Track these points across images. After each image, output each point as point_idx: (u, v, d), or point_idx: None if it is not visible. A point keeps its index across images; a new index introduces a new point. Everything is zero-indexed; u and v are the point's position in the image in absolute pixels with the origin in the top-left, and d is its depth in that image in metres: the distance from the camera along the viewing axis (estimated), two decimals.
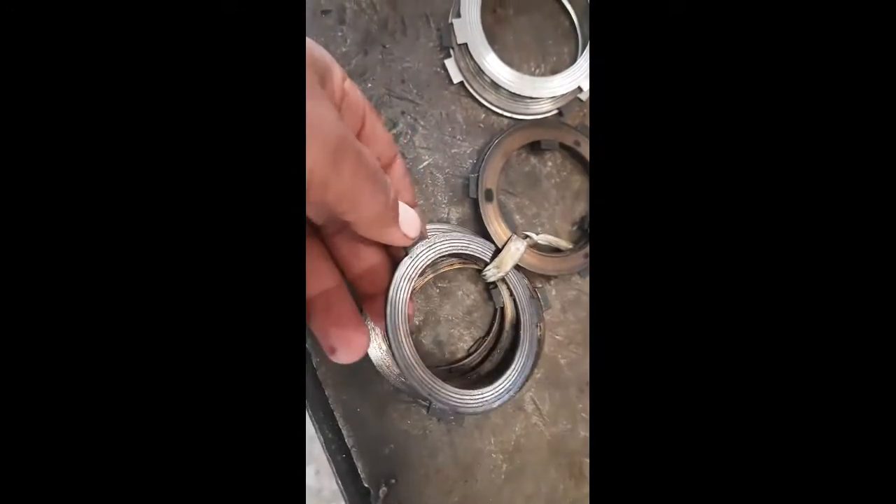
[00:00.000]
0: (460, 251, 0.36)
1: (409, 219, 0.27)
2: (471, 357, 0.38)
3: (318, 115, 0.20)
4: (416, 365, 0.31)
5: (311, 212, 0.28)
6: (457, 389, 0.32)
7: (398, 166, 0.30)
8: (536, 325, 0.37)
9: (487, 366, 0.38)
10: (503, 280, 0.38)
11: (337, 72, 0.25)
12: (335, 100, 0.25)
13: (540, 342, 0.37)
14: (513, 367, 0.35)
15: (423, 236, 0.31)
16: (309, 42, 0.23)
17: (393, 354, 0.30)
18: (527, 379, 0.35)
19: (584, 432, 0.41)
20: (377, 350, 0.36)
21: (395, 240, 0.27)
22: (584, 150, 0.41)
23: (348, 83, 0.26)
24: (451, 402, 0.32)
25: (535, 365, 0.36)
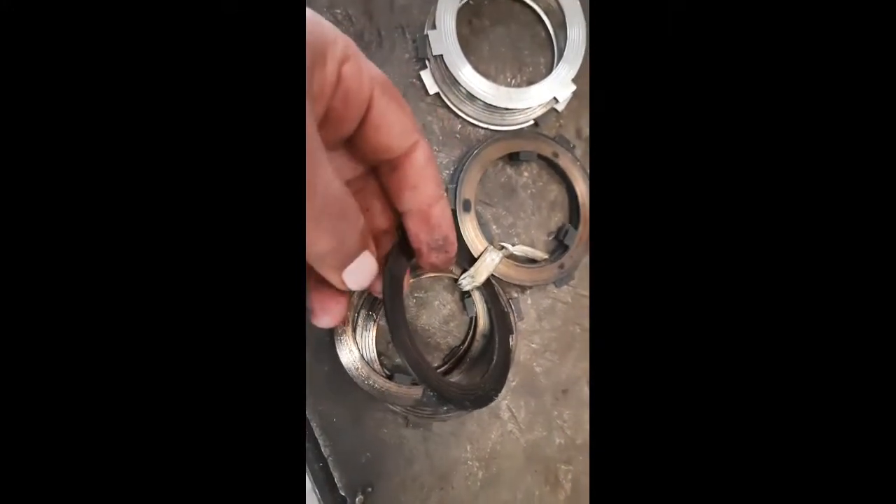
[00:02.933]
0: None
1: (360, 269, 0.25)
2: (445, 366, 0.39)
3: None
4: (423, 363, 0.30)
5: None
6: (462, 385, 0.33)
7: (418, 156, 0.26)
8: (508, 335, 0.37)
9: (456, 375, 0.38)
10: (477, 289, 0.38)
11: (335, 54, 0.22)
12: (324, 89, 0.22)
13: (510, 351, 0.38)
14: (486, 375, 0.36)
15: (369, 290, 0.28)
16: (309, 19, 0.20)
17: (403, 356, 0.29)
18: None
19: (559, 439, 0.42)
20: (348, 354, 0.36)
21: (332, 281, 0.25)
22: (562, 161, 0.42)
23: (349, 66, 0.23)
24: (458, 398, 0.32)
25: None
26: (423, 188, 0.27)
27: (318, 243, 0.22)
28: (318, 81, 0.22)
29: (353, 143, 0.26)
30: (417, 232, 0.28)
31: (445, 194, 0.28)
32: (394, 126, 0.25)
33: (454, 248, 0.29)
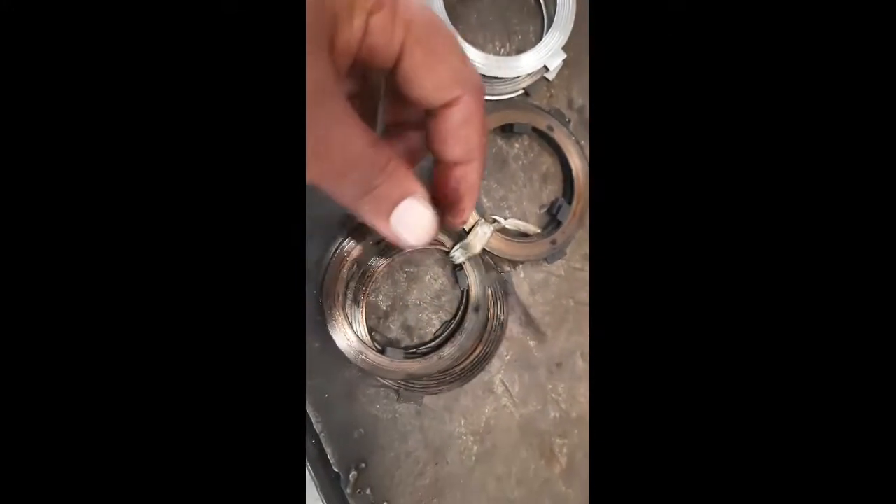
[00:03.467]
0: None
1: (408, 217, 0.23)
2: (436, 340, 0.38)
3: None
4: None
5: None
6: None
7: (454, 113, 0.24)
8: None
9: (448, 348, 0.38)
10: (468, 262, 0.38)
11: (364, 4, 0.21)
12: (350, 43, 0.21)
13: (503, 325, 0.37)
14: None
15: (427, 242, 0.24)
16: None
17: None
18: None
19: (554, 412, 0.42)
20: (339, 329, 0.36)
21: (384, 233, 0.23)
22: (557, 135, 0.41)
23: (379, 18, 0.21)
24: None
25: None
26: (451, 147, 0.25)
27: (345, 194, 0.21)
28: (343, 37, 0.20)
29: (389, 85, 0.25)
30: (436, 186, 0.27)
31: (479, 159, 0.26)
32: (426, 80, 0.23)
33: (463, 216, 0.27)
